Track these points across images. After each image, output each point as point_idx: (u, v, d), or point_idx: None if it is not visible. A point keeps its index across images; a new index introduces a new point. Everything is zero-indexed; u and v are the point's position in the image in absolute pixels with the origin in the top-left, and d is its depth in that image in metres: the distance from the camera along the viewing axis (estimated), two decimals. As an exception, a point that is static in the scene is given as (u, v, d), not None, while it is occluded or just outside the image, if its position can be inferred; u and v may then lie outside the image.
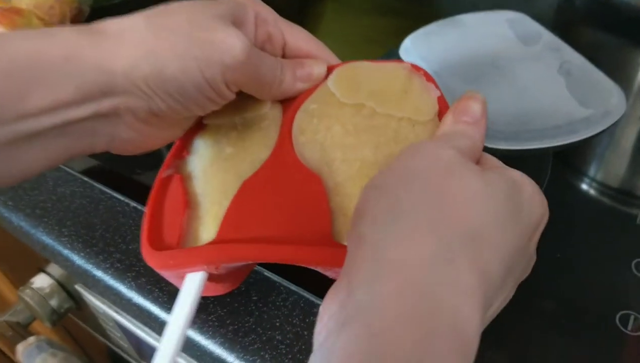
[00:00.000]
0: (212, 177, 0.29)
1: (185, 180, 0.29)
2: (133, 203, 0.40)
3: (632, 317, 0.28)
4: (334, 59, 0.31)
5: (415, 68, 0.29)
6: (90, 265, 0.37)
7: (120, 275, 0.35)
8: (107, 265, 0.36)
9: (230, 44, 0.24)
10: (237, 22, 0.26)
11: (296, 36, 0.30)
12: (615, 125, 0.38)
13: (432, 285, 0.17)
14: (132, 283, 0.35)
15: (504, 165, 0.23)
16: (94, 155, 0.44)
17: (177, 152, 0.31)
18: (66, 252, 0.38)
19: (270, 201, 0.26)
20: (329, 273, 0.25)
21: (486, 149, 0.37)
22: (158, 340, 0.36)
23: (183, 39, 0.24)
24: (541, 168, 0.40)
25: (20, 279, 0.63)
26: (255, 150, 0.29)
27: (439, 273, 0.18)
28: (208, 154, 0.30)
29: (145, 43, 0.24)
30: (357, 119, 0.28)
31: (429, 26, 0.50)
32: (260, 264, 0.34)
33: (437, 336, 0.16)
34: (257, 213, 0.26)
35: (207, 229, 0.27)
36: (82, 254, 0.37)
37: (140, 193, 0.41)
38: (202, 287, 0.26)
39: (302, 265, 0.24)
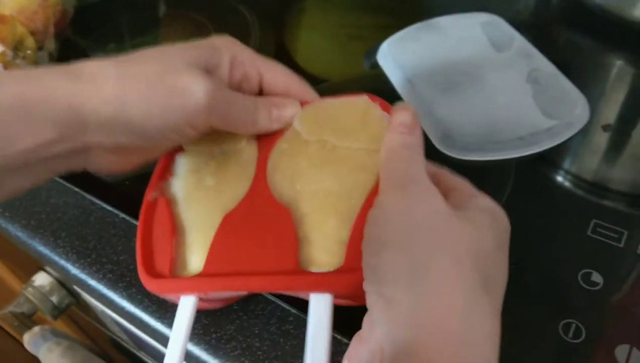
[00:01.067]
0: (196, 205, 0.32)
1: (171, 203, 0.33)
2: (122, 215, 0.42)
3: (573, 326, 0.31)
4: (311, 94, 0.33)
5: (373, 98, 0.32)
6: (85, 275, 0.39)
7: (113, 285, 0.38)
8: (100, 276, 0.39)
9: (193, 89, 0.26)
10: (209, 67, 0.28)
11: (273, 73, 0.32)
12: (579, 132, 0.40)
13: (469, 341, 0.19)
14: (124, 292, 0.38)
15: (474, 192, 0.26)
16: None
17: (161, 174, 0.34)
18: (62, 262, 0.40)
19: (248, 235, 0.29)
20: (301, 295, 0.29)
21: (452, 159, 0.40)
22: (154, 339, 0.39)
23: (148, 85, 0.27)
24: (505, 173, 0.43)
25: (24, 271, 0.66)
26: (234, 185, 0.32)
27: (474, 326, 0.20)
28: (189, 179, 0.33)
29: (113, 88, 0.26)
30: (322, 153, 0.30)
31: (405, 30, 0.51)
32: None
33: None
34: (237, 248, 0.29)
35: (195, 257, 0.31)
36: (76, 265, 0.40)
37: (129, 204, 0.43)
38: (195, 308, 0.30)
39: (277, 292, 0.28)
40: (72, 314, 0.70)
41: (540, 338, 0.29)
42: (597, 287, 0.33)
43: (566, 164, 0.45)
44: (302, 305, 0.34)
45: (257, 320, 0.35)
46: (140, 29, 0.68)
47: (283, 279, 0.27)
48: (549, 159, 0.43)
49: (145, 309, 0.36)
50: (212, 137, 0.33)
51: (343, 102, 0.32)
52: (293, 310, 0.35)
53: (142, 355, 0.63)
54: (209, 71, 0.28)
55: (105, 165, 0.30)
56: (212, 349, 0.34)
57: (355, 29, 0.62)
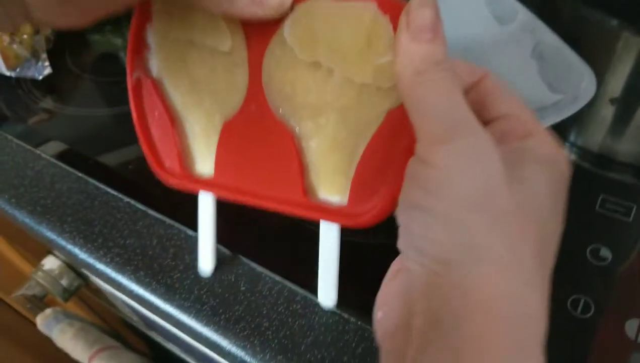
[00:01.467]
0: (187, 94, 0.30)
1: (157, 86, 0.30)
2: (126, 199, 0.42)
3: (582, 301, 0.31)
4: None
5: (384, 5, 0.24)
6: (92, 259, 0.40)
7: (120, 269, 0.38)
8: (108, 260, 0.39)
9: None
10: None
11: None
12: (586, 105, 0.39)
13: (518, 323, 0.18)
14: (132, 276, 0.38)
15: (530, 126, 0.21)
16: (86, 149, 0.47)
17: (135, 46, 0.30)
18: (69, 247, 0.41)
19: (252, 151, 0.29)
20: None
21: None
22: (163, 320, 0.39)
23: None
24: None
25: (34, 254, 0.67)
26: (228, 88, 0.29)
27: (524, 311, 0.18)
28: (170, 60, 0.30)
29: None
30: (318, 76, 0.26)
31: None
32: (247, 256, 0.37)
33: None
34: (243, 162, 0.30)
35: (202, 160, 0.31)
36: (84, 249, 0.40)
37: (132, 187, 0.43)
38: (214, 203, 0.32)
39: None
40: (83, 296, 0.71)
41: (550, 315, 0.29)
42: (606, 262, 0.32)
43: (572, 137, 0.45)
44: (310, 286, 0.34)
45: (265, 301, 0.35)
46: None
47: (295, 207, 0.28)
48: (555, 132, 0.43)
49: (153, 291, 0.37)
50: (187, 24, 0.28)
51: (344, 9, 0.25)
52: (300, 291, 0.35)
53: (152, 334, 0.64)
54: None
55: (52, 7, 0.22)
56: (222, 330, 0.34)
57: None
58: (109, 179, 0.44)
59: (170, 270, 0.37)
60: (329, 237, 0.29)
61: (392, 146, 0.26)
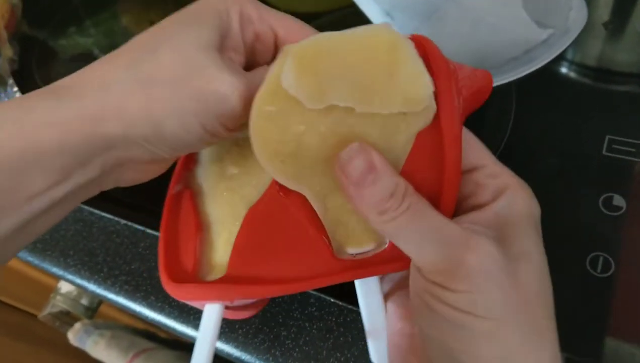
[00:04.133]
0: (219, 197, 0.28)
1: (195, 196, 0.29)
2: (123, 221, 0.41)
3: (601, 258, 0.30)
4: None
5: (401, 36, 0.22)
6: (102, 290, 0.39)
7: (131, 296, 0.38)
8: (117, 289, 0.38)
9: (226, 93, 0.23)
10: (223, 38, 0.24)
11: (287, 28, 0.26)
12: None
13: None
14: (143, 302, 0.37)
15: (503, 179, 0.23)
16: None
17: (185, 165, 0.31)
18: (77, 281, 0.40)
19: (272, 231, 0.26)
20: None
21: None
22: (182, 337, 0.39)
23: (174, 91, 0.23)
24: (506, 97, 0.40)
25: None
26: (257, 171, 0.27)
27: None
28: (213, 169, 0.29)
29: (137, 100, 0.22)
30: (330, 120, 0.23)
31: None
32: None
33: None
34: (261, 247, 0.26)
35: (219, 256, 0.27)
36: (92, 281, 0.39)
37: (126, 208, 0.42)
38: (220, 316, 0.27)
39: None
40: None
41: (567, 278, 0.28)
42: (621, 212, 0.31)
43: (569, 55, 0.42)
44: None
45: (279, 309, 0.34)
46: (96, 6, 0.64)
47: (328, 276, 0.24)
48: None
49: (167, 315, 0.36)
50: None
51: (353, 41, 0.22)
52: (313, 292, 0.34)
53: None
54: (223, 47, 0.24)
55: (139, 175, 0.27)
56: (242, 345, 0.34)
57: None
58: (102, 202, 0.43)
59: None
60: (370, 295, 0.25)
61: (429, 166, 0.23)
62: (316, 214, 0.24)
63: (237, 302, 0.28)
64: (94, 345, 0.64)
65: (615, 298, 0.28)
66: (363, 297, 0.25)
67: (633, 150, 0.33)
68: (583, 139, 0.35)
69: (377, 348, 0.25)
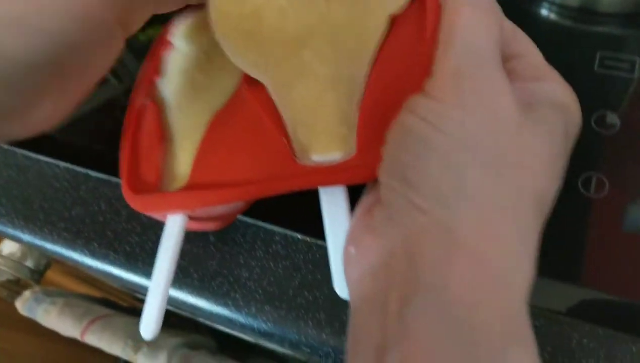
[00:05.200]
0: (185, 107, 0.27)
1: (160, 108, 0.27)
2: (62, 164, 0.36)
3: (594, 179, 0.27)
4: None
5: None
6: (38, 240, 0.35)
7: (71, 244, 0.34)
8: (55, 237, 0.34)
9: None
10: None
11: None
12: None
13: (507, 281, 0.16)
14: (85, 250, 0.33)
15: (543, 71, 0.20)
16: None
17: (149, 76, 0.28)
18: (10, 231, 0.36)
19: (235, 135, 0.24)
20: None
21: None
22: (130, 289, 0.35)
23: None
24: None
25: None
26: (225, 79, 0.25)
27: (516, 267, 0.17)
28: (178, 79, 0.27)
29: None
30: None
31: None
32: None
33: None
34: (223, 151, 0.24)
35: (182, 166, 0.26)
36: (26, 231, 0.35)
37: (67, 149, 0.37)
38: (182, 228, 0.25)
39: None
40: (59, 265, 0.67)
41: (559, 200, 0.25)
42: (614, 130, 0.28)
43: None
44: (286, 222, 0.30)
45: (239, 249, 0.30)
46: None
47: (287, 180, 0.21)
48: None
49: (112, 263, 0.32)
50: (202, 28, 0.26)
51: None
52: (277, 229, 0.30)
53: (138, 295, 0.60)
54: None
55: (18, 130, 0.21)
56: (197, 291, 0.30)
57: None
58: (39, 145, 0.38)
59: (126, 235, 0.33)
60: (334, 206, 0.21)
61: (404, 63, 0.20)
62: (270, 109, 0.21)
63: (200, 212, 0.25)
64: (46, 313, 0.59)
65: (611, 220, 0.26)
66: (326, 209, 0.21)
67: (627, 65, 0.30)
68: (573, 57, 0.32)
69: (340, 270, 0.21)
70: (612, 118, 0.28)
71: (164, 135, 0.26)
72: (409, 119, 0.18)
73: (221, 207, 0.25)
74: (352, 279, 0.19)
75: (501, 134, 0.17)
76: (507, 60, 0.20)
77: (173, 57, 0.28)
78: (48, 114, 0.20)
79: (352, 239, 0.20)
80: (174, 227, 0.25)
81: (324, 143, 0.21)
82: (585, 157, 0.28)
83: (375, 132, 0.20)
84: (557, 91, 0.19)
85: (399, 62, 0.20)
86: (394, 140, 0.18)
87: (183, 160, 0.26)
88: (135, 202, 0.25)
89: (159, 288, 0.24)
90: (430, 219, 0.16)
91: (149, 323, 0.23)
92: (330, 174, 0.21)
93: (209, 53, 0.27)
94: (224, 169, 0.24)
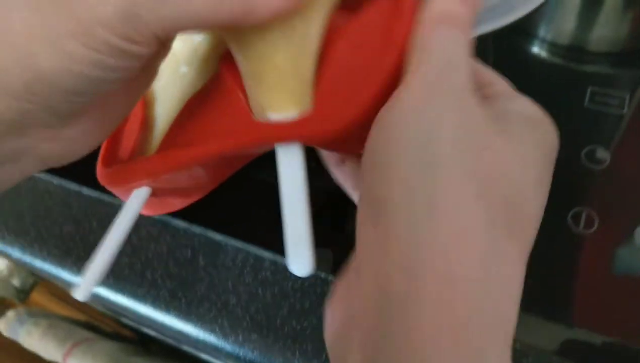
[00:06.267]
0: (170, 98, 0.27)
1: (150, 102, 0.27)
2: (56, 180, 0.36)
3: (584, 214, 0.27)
4: None
5: None
6: (28, 257, 0.34)
7: (60, 262, 0.33)
8: (45, 254, 0.34)
9: None
10: None
11: None
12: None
13: (483, 294, 0.15)
14: (74, 267, 0.33)
15: (513, 92, 0.19)
16: None
17: None
18: (1, 247, 0.35)
19: (202, 109, 0.24)
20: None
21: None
22: (120, 312, 0.35)
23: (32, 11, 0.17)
24: (484, 52, 0.37)
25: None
26: (209, 67, 0.26)
27: (489, 277, 0.16)
28: (166, 71, 0.27)
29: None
30: None
31: None
32: (202, 224, 0.32)
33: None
34: (189, 124, 0.25)
35: (154, 147, 0.26)
36: (15, 246, 0.35)
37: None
38: (143, 201, 0.25)
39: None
40: (50, 286, 0.66)
41: (549, 234, 0.25)
42: (604, 165, 0.28)
43: (541, 32, 0.40)
44: (277, 248, 0.30)
45: (228, 274, 0.30)
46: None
47: (242, 135, 0.21)
48: (523, 29, 0.38)
49: (102, 283, 0.32)
50: None
51: None
52: (267, 254, 0.30)
53: (124, 320, 0.60)
54: None
55: (64, 145, 0.20)
56: (183, 315, 0.30)
57: None
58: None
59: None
60: (291, 167, 0.21)
61: (373, 33, 0.20)
62: (229, 65, 0.22)
63: (164, 183, 0.25)
64: (28, 335, 0.58)
65: (601, 256, 0.26)
66: (283, 172, 0.21)
67: (617, 102, 0.31)
68: (564, 92, 0.33)
69: (295, 240, 0.20)
70: (603, 153, 0.29)
71: (147, 124, 0.27)
72: (379, 129, 0.17)
73: (184, 178, 0.25)
74: (327, 341, 0.19)
75: (469, 143, 0.16)
76: (477, 88, 0.19)
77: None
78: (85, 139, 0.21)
79: (329, 303, 0.19)
80: (134, 201, 0.25)
81: (278, 100, 0.21)
82: (575, 191, 0.28)
83: (333, 89, 0.20)
84: (529, 108, 0.19)
85: (367, 31, 0.20)
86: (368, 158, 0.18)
87: (156, 141, 0.26)
88: (103, 177, 0.25)
89: (102, 255, 0.24)
90: (394, 243, 0.16)
91: (86, 288, 0.24)
92: (286, 129, 0.21)
93: (197, 47, 0.27)
94: (187, 137, 0.24)
